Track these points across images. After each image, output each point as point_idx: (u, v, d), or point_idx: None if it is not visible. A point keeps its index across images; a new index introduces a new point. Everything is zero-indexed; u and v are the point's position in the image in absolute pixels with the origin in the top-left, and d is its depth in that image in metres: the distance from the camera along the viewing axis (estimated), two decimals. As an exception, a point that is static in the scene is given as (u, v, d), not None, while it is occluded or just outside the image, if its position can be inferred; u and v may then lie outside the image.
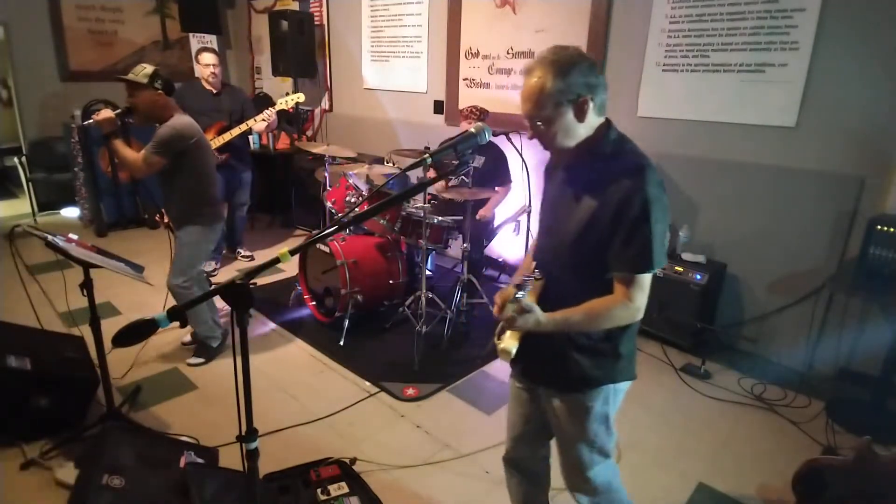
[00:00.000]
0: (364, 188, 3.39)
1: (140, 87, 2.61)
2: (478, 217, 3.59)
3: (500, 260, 4.40)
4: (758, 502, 2.19)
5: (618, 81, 3.49)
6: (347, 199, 3.40)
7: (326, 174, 3.99)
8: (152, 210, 5.13)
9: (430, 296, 3.29)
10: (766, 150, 3.04)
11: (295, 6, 5.58)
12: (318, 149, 4.04)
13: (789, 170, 2.99)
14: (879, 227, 2.49)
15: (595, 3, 3.53)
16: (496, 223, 3.91)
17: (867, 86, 2.70)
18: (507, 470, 1.75)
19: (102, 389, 2.34)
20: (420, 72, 4.70)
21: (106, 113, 2.65)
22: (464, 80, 4.41)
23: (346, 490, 2.09)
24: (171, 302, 2.88)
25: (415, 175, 4.43)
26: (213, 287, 1.34)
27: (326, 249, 3.30)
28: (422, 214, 3.09)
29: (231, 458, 2.18)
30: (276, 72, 5.40)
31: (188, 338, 3.20)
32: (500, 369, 3.08)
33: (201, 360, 3.03)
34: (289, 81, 5.51)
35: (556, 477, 1.77)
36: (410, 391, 2.82)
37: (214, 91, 4.09)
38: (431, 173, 3.23)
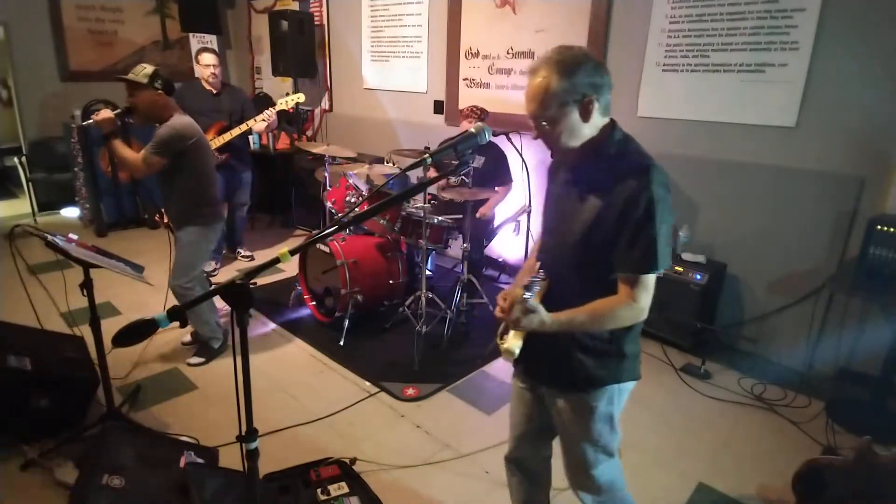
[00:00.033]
0: (364, 188, 3.39)
1: (140, 87, 2.61)
2: (478, 215, 3.59)
3: (500, 260, 4.40)
4: (758, 502, 2.19)
5: (618, 81, 3.44)
6: (347, 199, 3.40)
7: (326, 174, 3.99)
8: (152, 210, 5.13)
9: (430, 296, 3.29)
10: (766, 150, 3.04)
11: (295, 6, 5.58)
12: (318, 149, 4.04)
13: (789, 170, 2.99)
14: (879, 227, 2.49)
15: (595, 3, 3.53)
16: (496, 223, 3.91)
17: (867, 86, 2.70)
18: (509, 469, 1.75)
19: (102, 389, 2.34)
20: (420, 72, 4.70)
21: (105, 113, 2.65)
22: (464, 80, 4.41)
23: (346, 490, 2.09)
24: (171, 302, 2.88)
25: (415, 175, 4.43)
26: (213, 287, 1.34)
27: (326, 249, 3.30)
28: (422, 214, 3.09)
29: (231, 458, 2.18)
30: (276, 72, 5.40)
31: (188, 338, 3.20)
32: (500, 369, 3.08)
33: (202, 359, 3.03)
34: (289, 81, 5.51)
35: (557, 477, 1.77)
36: (410, 391, 2.82)
37: (214, 91, 4.09)
38: (432, 173, 3.23)
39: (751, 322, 3.27)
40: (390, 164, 3.94)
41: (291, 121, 5.58)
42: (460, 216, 3.26)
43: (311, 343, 3.29)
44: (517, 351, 1.28)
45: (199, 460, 2.10)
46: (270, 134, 5.34)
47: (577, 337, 1.38)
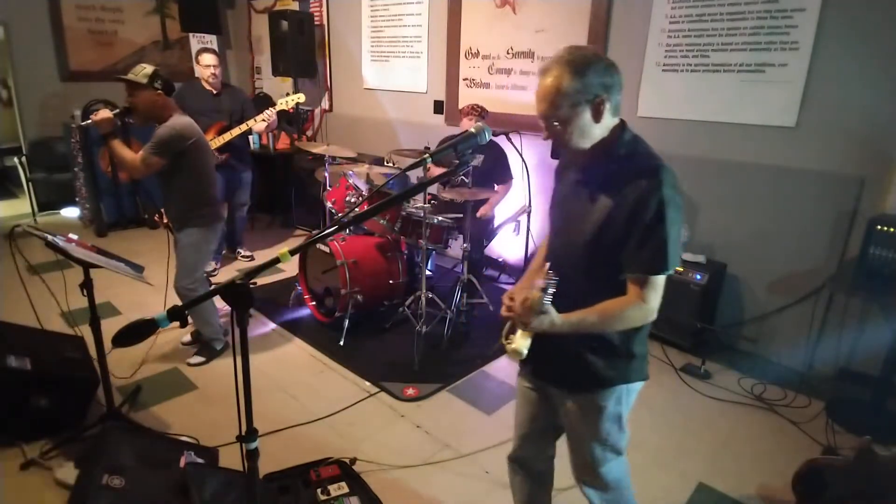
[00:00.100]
0: (364, 188, 3.39)
1: (139, 87, 2.61)
2: (478, 215, 3.60)
3: (500, 260, 4.40)
4: (758, 502, 2.19)
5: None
6: (347, 199, 3.40)
7: (326, 174, 3.99)
8: (152, 210, 5.13)
9: (430, 296, 3.29)
10: (766, 150, 3.04)
11: (295, 6, 5.58)
12: (318, 149, 4.04)
13: (789, 170, 2.99)
14: (879, 227, 2.49)
15: (595, 3, 3.53)
16: (496, 223, 3.91)
17: (867, 86, 2.70)
18: (512, 468, 1.75)
19: (102, 389, 2.34)
20: (420, 72, 4.70)
21: (104, 113, 2.64)
22: (464, 80, 4.41)
23: (346, 490, 2.09)
24: (171, 302, 2.88)
25: (415, 175, 4.43)
26: (213, 287, 1.34)
27: (326, 249, 3.30)
28: (422, 214, 3.09)
29: (231, 458, 2.18)
30: (276, 72, 5.40)
31: (188, 338, 3.21)
32: (500, 369, 3.08)
33: (202, 359, 3.03)
34: (289, 81, 5.51)
35: (558, 477, 1.77)
36: (410, 391, 2.82)
37: (214, 91, 4.09)
38: (432, 173, 3.23)
39: (751, 322, 3.27)
40: (390, 164, 3.95)
41: (291, 121, 5.58)
42: (460, 216, 3.26)
43: (311, 343, 3.29)
44: (525, 351, 1.28)
45: (199, 460, 2.10)
46: (270, 134, 5.34)
47: (585, 338, 1.38)
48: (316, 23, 5.36)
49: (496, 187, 3.68)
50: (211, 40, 5.96)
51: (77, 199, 5.32)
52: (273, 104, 4.16)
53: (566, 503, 2.06)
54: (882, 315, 2.80)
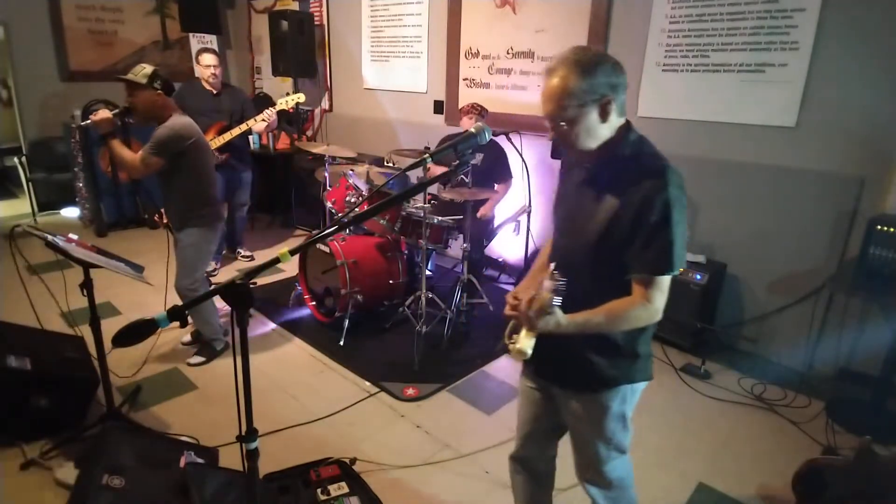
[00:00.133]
0: (364, 188, 3.39)
1: (139, 87, 2.61)
2: (478, 215, 3.60)
3: (500, 260, 4.40)
4: (758, 502, 2.19)
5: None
6: (347, 199, 3.40)
7: (326, 174, 3.99)
8: (152, 210, 5.13)
9: (430, 296, 3.28)
10: (766, 150, 3.04)
11: (295, 6, 5.58)
12: (318, 149, 4.04)
13: (789, 170, 2.99)
14: (879, 227, 2.49)
15: (595, 3, 3.53)
16: (496, 223, 3.91)
17: (867, 86, 2.70)
18: (514, 467, 1.75)
19: (102, 389, 2.34)
20: (420, 72, 4.70)
21: (103, 113, 2.64)
22: (464, 80, 4.41)
23: (346, 490, 2.09)
24: (171, 302, 2.88)
25: (415, 175, 4.43)
26: (213, 287, 1.34)
27: (326, 249, 3.30)
28: (422, 214, 3.09)
29: (231, 458, 2.18)
30: (276, 72, 5.40)
31: (188, 338, 3.21)
32: (500, 369, 3.08)
33: (202, 359, 3.03)
34: (289, 81, 5.51)
35: (559, 477, 1.77)
36: (410, 391, 2.82)
37: (214, 91, 4.09)
38: (432, 172, 3.23)
39: (751, 322, 3.27)
40: (390, 164, 3.95)
41: (291, 121, 5.58)
42: (460, 216, 3.26)
43: (311, 343, 3.29)
44: (529, 351, 1.27)
45: (199, 460, 2.10)
46: (270, 134, 5.34)
47: (589, 338, 1.37)
48: (316, 23, 5.36)
49: (496, 187, 3.69)
50: (211, 40, 5.96)
51: (77, 199, 5.32)
52: (273, 104, 4.16)
53: (566, 503, 2.07)
54: (882, 315, 2.80)
